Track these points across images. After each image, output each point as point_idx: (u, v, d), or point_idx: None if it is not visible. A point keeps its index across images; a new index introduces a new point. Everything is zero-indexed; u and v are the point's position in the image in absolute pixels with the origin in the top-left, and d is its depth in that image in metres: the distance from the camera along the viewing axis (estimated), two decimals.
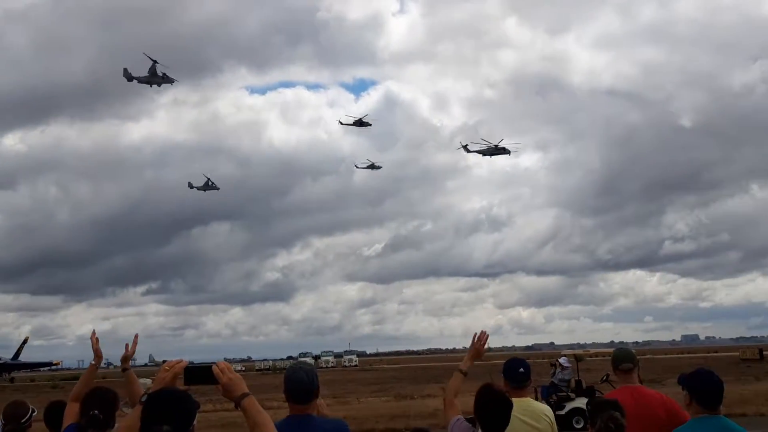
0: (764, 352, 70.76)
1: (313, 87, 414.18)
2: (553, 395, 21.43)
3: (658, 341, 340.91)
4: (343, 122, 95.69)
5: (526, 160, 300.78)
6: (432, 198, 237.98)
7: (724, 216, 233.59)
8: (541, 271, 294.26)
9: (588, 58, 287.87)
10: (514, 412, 4.65)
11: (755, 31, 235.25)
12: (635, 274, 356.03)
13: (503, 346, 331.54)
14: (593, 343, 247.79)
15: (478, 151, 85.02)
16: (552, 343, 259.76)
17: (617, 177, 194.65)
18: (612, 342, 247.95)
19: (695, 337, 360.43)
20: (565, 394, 21.42)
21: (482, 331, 5.53)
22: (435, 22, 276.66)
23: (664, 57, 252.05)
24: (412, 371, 73.03)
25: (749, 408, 23.15)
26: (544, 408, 5.64)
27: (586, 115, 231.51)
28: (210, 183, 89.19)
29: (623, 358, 5.86)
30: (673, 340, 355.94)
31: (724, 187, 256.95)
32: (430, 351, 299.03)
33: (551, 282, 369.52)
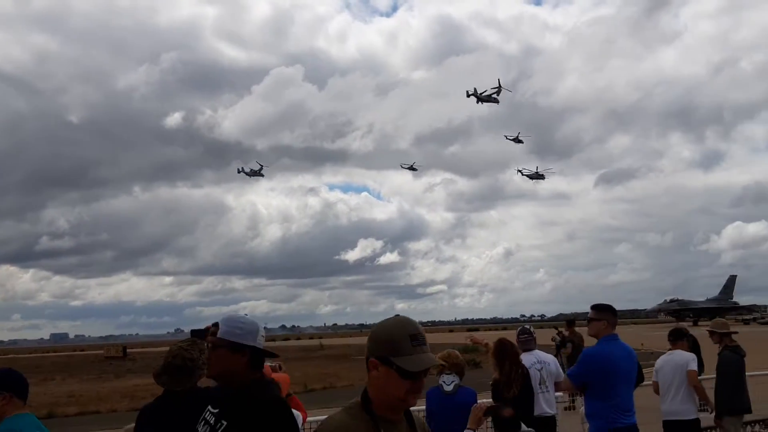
0: (128, 350, 74.94)
1: None
2: None
3: (25, 340, 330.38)
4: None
5: None
6: None
7: (106, 215, 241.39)
8: None
9: None
10: None
11: (146, 37, 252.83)
12: (7, 270, 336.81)
13: None
14: None
15: (527, 175, 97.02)
16: None
17: None
18: None
19: (65, 336, 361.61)
20: None
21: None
22: None
23: (58, 47, 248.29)
24: None
25: (104, 405, 24.11)
26: None
27: None
28: (258, 169, 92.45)
29: None
30: (42, 339, 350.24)
31: (109, 186, 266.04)
32: None
33: None
